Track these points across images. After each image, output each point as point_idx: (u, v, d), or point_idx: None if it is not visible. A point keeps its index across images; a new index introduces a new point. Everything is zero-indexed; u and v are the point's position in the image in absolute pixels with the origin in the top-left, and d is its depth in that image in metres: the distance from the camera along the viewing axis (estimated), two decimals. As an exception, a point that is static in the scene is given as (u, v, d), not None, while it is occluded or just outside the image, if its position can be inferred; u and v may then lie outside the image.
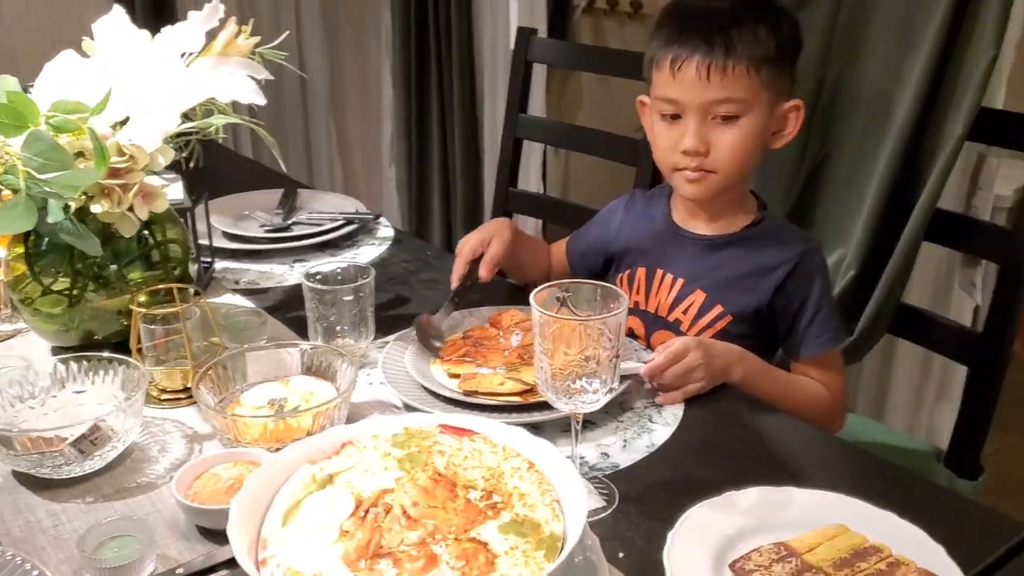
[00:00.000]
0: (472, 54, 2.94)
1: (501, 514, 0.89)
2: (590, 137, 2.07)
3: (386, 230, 1.77)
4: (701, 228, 1.41)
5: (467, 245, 1.42)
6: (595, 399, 0.98)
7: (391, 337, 1.34)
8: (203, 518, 0.97)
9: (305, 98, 3.20)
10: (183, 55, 1.23)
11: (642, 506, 1.02)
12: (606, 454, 1.11)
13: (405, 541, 0.86)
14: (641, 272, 1.44)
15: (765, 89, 1.30)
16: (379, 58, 3.18)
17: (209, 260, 1.57)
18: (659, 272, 1.42)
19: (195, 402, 1.22)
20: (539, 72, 3.00)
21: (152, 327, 1.20)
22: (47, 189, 1.06)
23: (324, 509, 0.89)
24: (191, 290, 1.29)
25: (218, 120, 1.29)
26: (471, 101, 2.96)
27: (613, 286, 0.99)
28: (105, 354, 1.17)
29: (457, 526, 0.87)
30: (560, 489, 0.91)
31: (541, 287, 0.98)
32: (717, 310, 1.36)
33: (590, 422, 1.17)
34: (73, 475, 1.05)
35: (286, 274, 1.59)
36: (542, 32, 2.90)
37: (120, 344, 1.29)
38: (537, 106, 2.82)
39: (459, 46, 2.88)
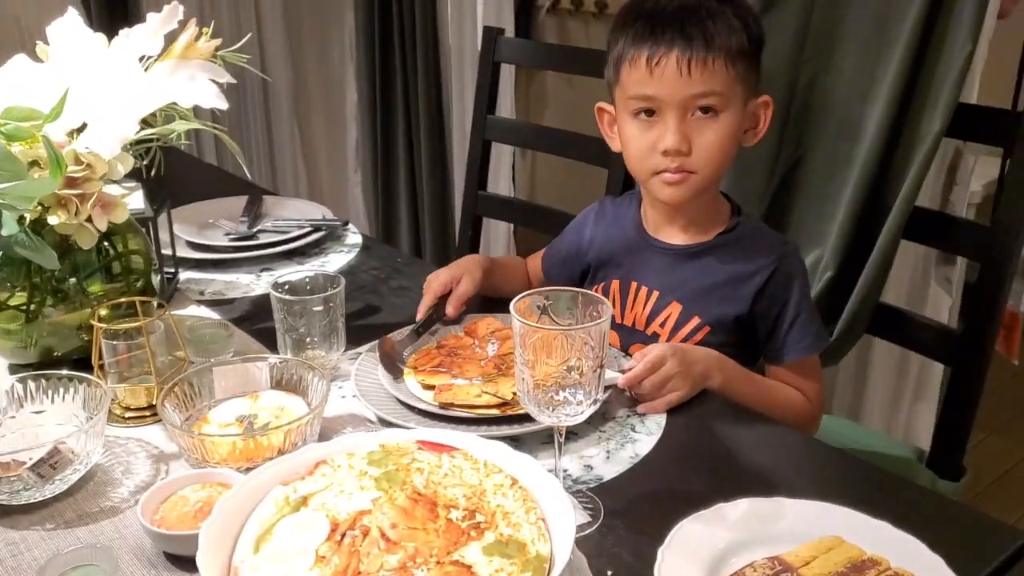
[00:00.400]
0: (438, 56, 2.89)
1: (485, 534, 0.85)
2: (561, 138, 2.03)
3: (354, 237, 1.72)
4: (674, 237, 1.37)
5: (437, 280, 1.38)
6: (579, 411, 0.94)
7: (363, 348, 1.30)
8: (171, 544, 0.92)
9: (267, 102, 3.14)
10: (142, 59, 1.18)
11: (628, 520, 0.98)
12: (589, 466, 1.08)
13: (385, 566, 0.82)
14: (615, 285, 1.41)
15: (740, 83, 1.27)
16: (343, 61, 3.12)
17: (173, 271, 1.52)
18: (633, 284, 1.38)
19: (160, 420, 1.17)
20: (506, 72, 2.96)
21: (114, 343, 1.15)
22: (3, 201, 1.01)
23: (298, 533, 0.85)
24: (154, 303, 1.25)
25: (180, 126, 1.25)
26: (437, 104, 2.92)
27: (595, 293, 0.95)
28: (65, 372, 1.12)
29: (439, 548, 0.83)
30: (545, 506, 0.88)
31: (521, 295, 0.94)
32: (695, 322, 1.33)
33: (572, 433, 1.13)
34: (32, 501, 1.00)
35: (253, 284, 1.54)
36: (508, 33, 2.86)
37: (81, 361, 1.24)
38: (505, 107, 2.78)
39: (424, 48, 2.83)
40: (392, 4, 2.89)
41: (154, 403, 1.17)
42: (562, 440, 0.99)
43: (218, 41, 1.22)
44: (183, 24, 1.21)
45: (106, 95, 1.13)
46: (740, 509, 0.96)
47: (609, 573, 0.92)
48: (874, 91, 1.59)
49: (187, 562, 0.92)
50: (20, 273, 1.21)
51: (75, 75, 1.15)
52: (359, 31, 3.00)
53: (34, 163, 1.09)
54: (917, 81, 1.55)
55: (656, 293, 1.35)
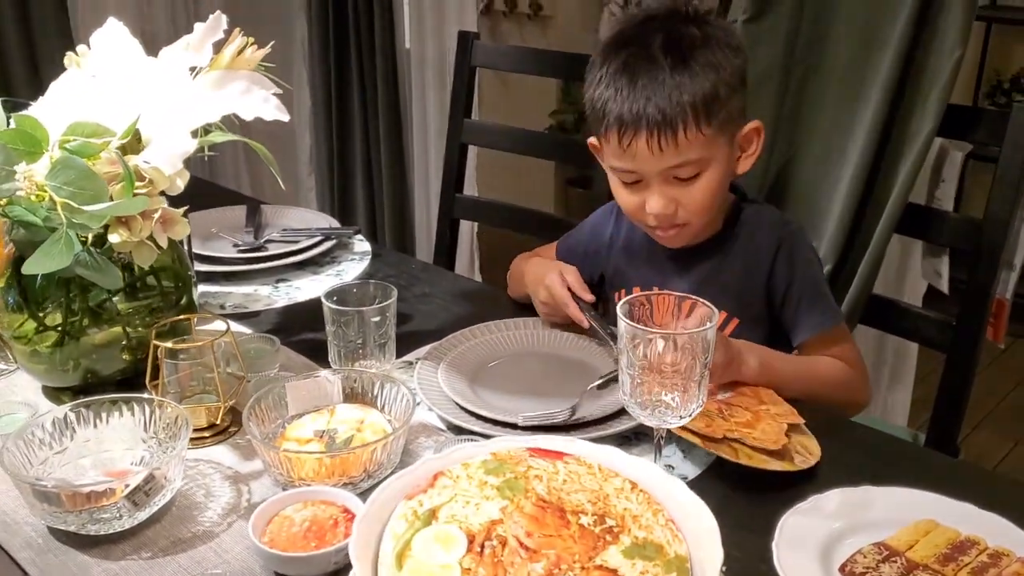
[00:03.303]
0: (396, 60, 2.87)
1: (620, 538, 0.87)
2: (541, 141, 2.05)
3: (362, 244, 1.70)
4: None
5: (559, 288, 1.35)
6: (683, 414, 0.97)
7: (411, 356, 1.30)
8: (292, 566, 0.91)
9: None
10: (191, 70, 1.15)
11: (727, 517, 0.99)
12: (671, 466, 1.10)
13: (531, 574, 0.83)
14: (636, 292, 1.42)
15: (719, 134, 1.26)
16: (290, 66, 3.06)
17: (191, 285, 1.48)
18: (655, 290, 1.40)
19: (222, 440, 1.15)
20: (445, 72, 2.91)
21: (175, 362, 1.12)
22: (76, 220, 0.97)
23: (436, 547, 0.85)
24: (195, 319, 1.23)
25: (217, 137, 1.22)
26: (395, 108, 2.89)
27: (699, 299, 0.98)
28: (129, 395, 1.09)
29: (580, 554, 0.85)
30: (672, 507, 0.90)
31: (625, 299, 0.97)
32: (721, 317, 1.36)
33: (642, 433, 1.15)
34: (120, 529, 0.97)
35: (273, 295, 1.51)
36: (449, 35, 2.83)
37: (123, 382, 1.20)
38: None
39: (382, 52, 2.81)
40: (348, 9, 2.85)
41: (216, 423, 1.15)
42: (663, 443, 1.01)
43: (265, 51, 1.19)
44: (227, 33, 1.18)
45: (161, 109, 1.10)
46: (834, 500, 1.00)
47: (723, 569, 0.94)
48: (864, 92, 1.65)
49: (301, 582, 0.91)
50: (59, 292, 1.17)
51: (124, 88, 1.12)
52: (312, 37, 2.95)
53: (90, 179, 1.06)
54: (906, 84, 1.62)
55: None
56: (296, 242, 1.63)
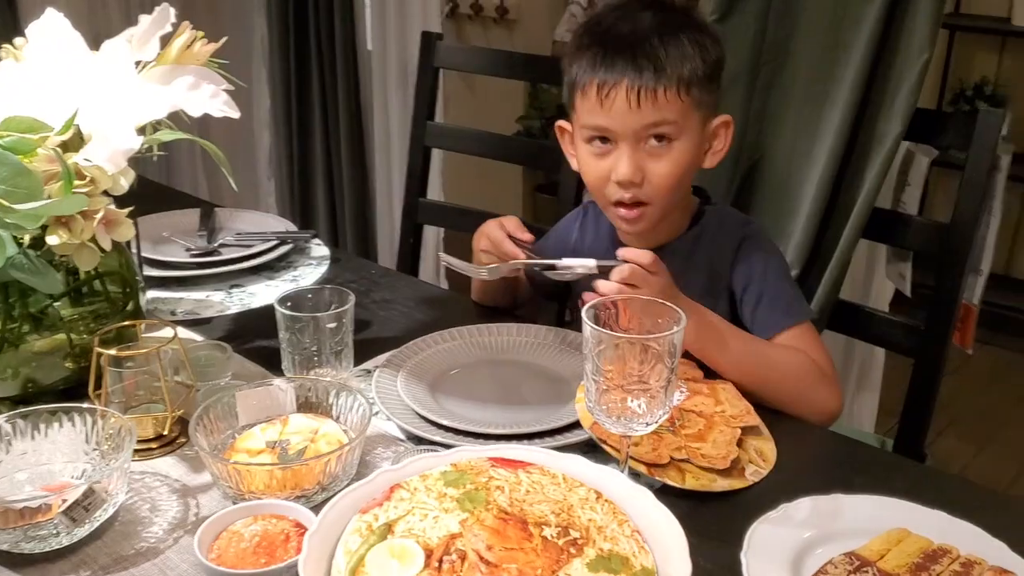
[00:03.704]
0: (356, 61, 2.82)
1: (584, 550, 0.83)
2: (508, 145, 2.02)
3: (319, 249, 1.66)
4: (646, 240, 1.35)
5: (495, 233, 1.33)
6: (649, 420, 0.93)
7: (369, 363, 1.26)
8: (239, 584, 0.86)
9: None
10: (137, 65, 1.10)
11: (694, 526, 0.96)
12: (637, 474, 1.07)
13: (492, 590, 0.79)
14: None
15: (696, 109, 1.26)
16: (249, 66, 3.01)
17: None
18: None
19: (169, 452, 1.10)
20: (408, 75, 2.86)
21: (119, 371, 1.07)
22: (9, 220, 0.92)
23: (392, 563, 0.81)
24: (142, 325, 1.18)
25: (165, 135, 1.17)
26: (357, 109, 2.84)
27: (666, 303, 0.94)
28: (70, 404, 1.03)
29: (542, 568, 0.81)
30: (638, 518, 0.87)
31: (591, 303, 0.93)
32: None
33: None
34: (58, 547, 0.92)
35: (226, 301, 1.46)
36: (412, 37, 2.78)
37: (66, 391, 1.15)
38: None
39: (343, 52, 2.76)
40: (308, 9, 2.80)
41: (163, 433, 1.10)
42: (629, 451, 0.98)
43: (216, 46, 1.15)
44: (175, 27, 1.14)
45: (103, 104, 1.05)
46: (804, 508, 0.98)
47: (692, 581, 0.91)
48: (831, 94, 1.64)
49: (250, 601, 0.87)
50: (-4, 297, 1.11)
51: (64, 81, 1.07)
52: (272, 37, 2.90)
53: (27, 178, 1.00)
54: (873, 86, 1.61)
55: None
56: (251, 246, 1.58)
